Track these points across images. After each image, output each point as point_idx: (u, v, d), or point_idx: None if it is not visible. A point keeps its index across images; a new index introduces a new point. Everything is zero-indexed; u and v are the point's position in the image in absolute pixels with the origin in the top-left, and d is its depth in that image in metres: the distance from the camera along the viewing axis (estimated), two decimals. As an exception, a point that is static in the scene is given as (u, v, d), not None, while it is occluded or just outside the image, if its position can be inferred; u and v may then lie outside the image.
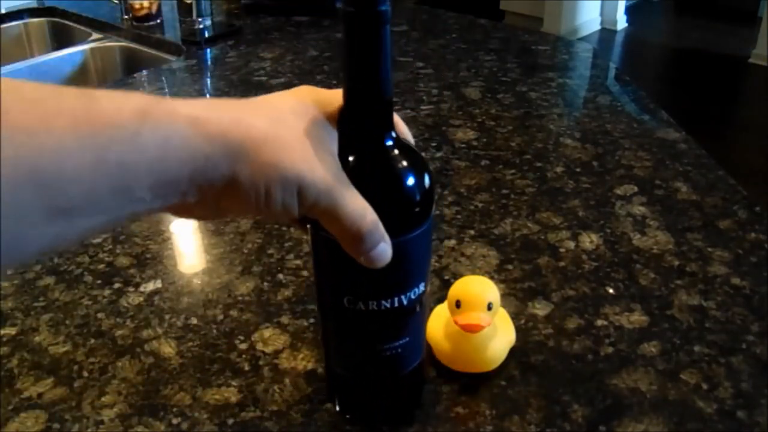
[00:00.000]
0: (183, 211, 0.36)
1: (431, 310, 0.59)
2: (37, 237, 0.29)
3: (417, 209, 0.42)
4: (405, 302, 0.45)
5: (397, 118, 0.42)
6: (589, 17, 4.19)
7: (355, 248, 0.39)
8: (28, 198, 0.28)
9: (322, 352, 0.59)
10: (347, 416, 0.54)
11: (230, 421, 0.53)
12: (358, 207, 0.38)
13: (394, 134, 0.42)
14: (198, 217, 0.40)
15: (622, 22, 4.29)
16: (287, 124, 0.37)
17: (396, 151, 0.42)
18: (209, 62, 1.31)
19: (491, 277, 0.68)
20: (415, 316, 0.47)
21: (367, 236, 0.38)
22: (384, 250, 0.39)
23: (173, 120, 0.32)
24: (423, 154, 0.91)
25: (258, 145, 0.34)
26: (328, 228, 0.39)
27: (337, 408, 0.54)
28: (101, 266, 0.71)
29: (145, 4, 1.44)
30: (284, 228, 0.77)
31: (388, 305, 0.44)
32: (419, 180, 0.42)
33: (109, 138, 0.30)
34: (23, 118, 0.28)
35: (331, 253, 0.42)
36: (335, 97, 0.40)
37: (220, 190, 0.34)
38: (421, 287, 0.46)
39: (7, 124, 0.27)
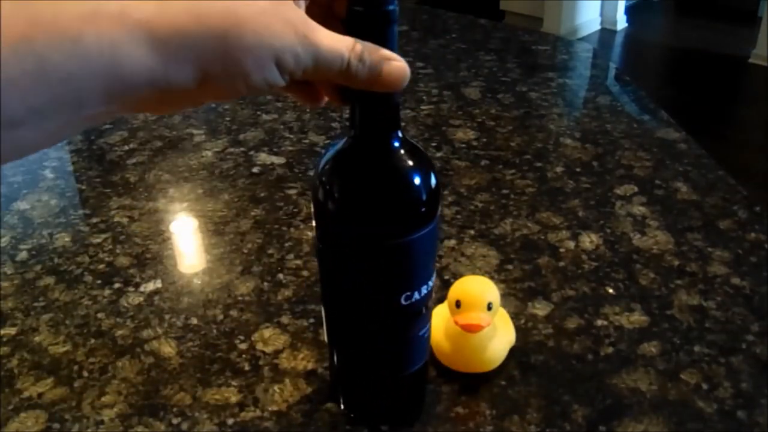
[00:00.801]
0: (148, 108, 0.34)
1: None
2: None
3: (428, 207, 0.42)
4: (419, 296, 0.46)
5: None
6: (589, 17, 4.19)
7: (364, 79, 0.37)
8: None
9: (322, 353, 0.59)
10: (351, 415, 0.54)
11: (230, 421, 0.54)
12: (338, 43, 0.35)
13: (401, 134, 0.42)
14: (166, 112, 0.38)
15: (622, 22, 4.29)
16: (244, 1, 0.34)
17: (403, 152, 0.42)
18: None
19: (491, 277, 0.68)
20: (428, 311, 0.48)
21: (364, 59, 0.36)
22: (397, 66, 0.38)
23: (122, 25, 0.30)
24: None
25: (221, 36, 0.32)
26: (327, 78, 0.36)
27: (342, 407, 0.54)
28: (101, 266, 0.71)
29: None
30: (284, 228, 0.77)
31: (428, 289, 0.46)
32: (427, 179, 0.42)
33: (47, 46, 0.28)
34: None
35: (387, 255, 0.43)
36: None
37: (189, 88, 0.32)
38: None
39: None
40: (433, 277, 0.47)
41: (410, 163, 0.42)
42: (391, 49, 0.37)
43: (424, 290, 0.45)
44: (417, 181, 0.42)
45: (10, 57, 0.27)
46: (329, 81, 0.40)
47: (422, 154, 0.43)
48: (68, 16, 0.29)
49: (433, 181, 0.43)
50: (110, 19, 0.29)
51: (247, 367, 0.58)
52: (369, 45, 0.37)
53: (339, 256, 0.44)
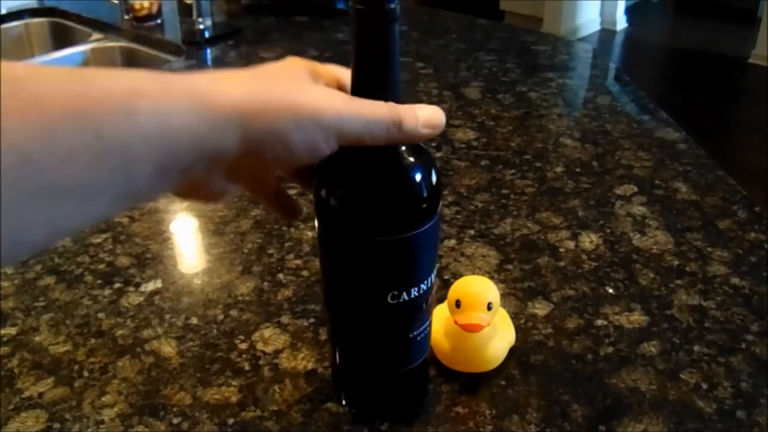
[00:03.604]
0: (190, 190, 0.36)
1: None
2: (31, 223, 0.28)
3: (430, 201, 0.43)
4: (433, 281, 0.46)
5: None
6: (589, 17, 4.19)
7: (405, 133, 0.38)
8: (20, 178, 0.26)
9: (322, 353, 0.59)
10: (353, 411, 0.54)
11: (230, 421, 0.54)
12: (375, 106, 0.37)
13: None
14: (204, 197, 0.39)
15: (622, 22, 4.29)
16: (285, 78, 0.37)
17: (404, 149, 0.42)
18: (209, 62, 1.31)
19: (491, 277, 0.68)
20: (423, 311, 0.48)
21: (403, 115, 0.38)
22: (430, 111, 0.40)
23: (169, 95, 0.31)
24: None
25: (263, 103, 0.34)
26: (369, 141, 0.37)
27: (343, 402, 0.54)
28: (101, 266, 0.72)
29: (146, 4, 1.44)
30: (284, 228, 0.77)
31: (425, 288, 0.46)
32: (428, 174, 0.43)
33: (103, 119, 0.29)
34: (12, 102, 0.27)
35: (380, 252, 0.43)
36: (323, 67, 0.40)
37: (230, 158, 0.34)
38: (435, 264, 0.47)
39: None
40: (429, 279, 0.46)
41: (412, 159, 0.42)
42: (393, 48, 0.38)
43: (414, 291, 0.45)
44: (419, 177, 0.42)
45: (68, 129, 0.27)
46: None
47: (422, 150, 0.43)
48: (121, 89, 0.30)
49: (435, 175, 0.43)
50: (160, 89, 0.31)
51: (247, 367, 0.59)
52: (403, 108, 0.39)
53: (329, 251, 0.45)
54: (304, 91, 0.36)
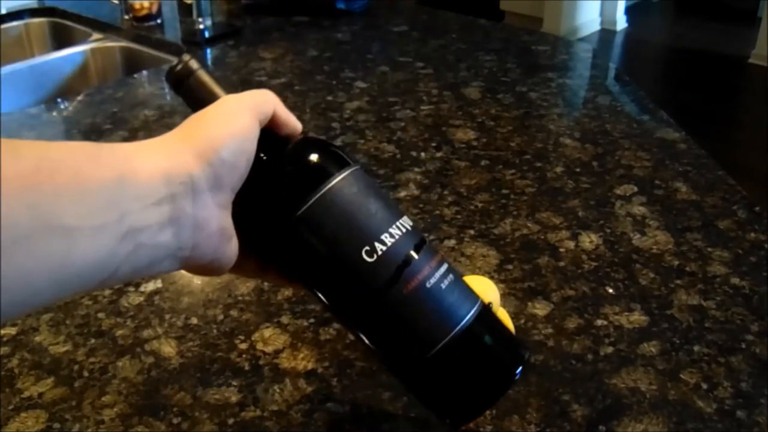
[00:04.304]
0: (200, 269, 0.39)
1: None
2: (39, 290, 0.29)
3: (317, 163, 0.43)
4: (398, 235, 0.43)
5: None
6: (589, 17, 4.18)
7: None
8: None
9: (322, 352, 0.59)
10: (444, 420, 0.46)
11: (230, 421, 0.54)
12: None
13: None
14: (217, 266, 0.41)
15: (622, 23, 4.28)
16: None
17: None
18: (209, 62, 1.31)
19: (491, 277, 0.68)
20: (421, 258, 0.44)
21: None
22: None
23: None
24: (423, 154, 0.91)
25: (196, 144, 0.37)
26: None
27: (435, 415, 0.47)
28: (101, 266, 0.71)
29: (146, 4, 1.44)
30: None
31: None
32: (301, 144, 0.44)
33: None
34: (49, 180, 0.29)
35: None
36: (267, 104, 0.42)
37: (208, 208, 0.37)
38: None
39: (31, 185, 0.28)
40: (398, 222, 0.43)
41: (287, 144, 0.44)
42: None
43: (386, 239, 0.42)
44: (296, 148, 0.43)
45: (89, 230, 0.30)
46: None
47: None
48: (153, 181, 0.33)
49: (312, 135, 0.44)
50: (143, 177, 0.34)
51: (247, 367, 0.59)
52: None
53: (287, 261, 0.44)
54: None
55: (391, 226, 0.43)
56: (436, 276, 0.43)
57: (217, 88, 0.44)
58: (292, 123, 0.43)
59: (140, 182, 0.33)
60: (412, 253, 0.43)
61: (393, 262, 0.42)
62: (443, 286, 0.43)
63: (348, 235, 0.42)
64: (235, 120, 0.38)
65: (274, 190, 0.42)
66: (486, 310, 0.45)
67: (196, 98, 0.43)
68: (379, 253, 0.42)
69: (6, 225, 0.26)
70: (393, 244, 0.42)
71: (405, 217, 0.44)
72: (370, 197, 0.43)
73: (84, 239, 0.29)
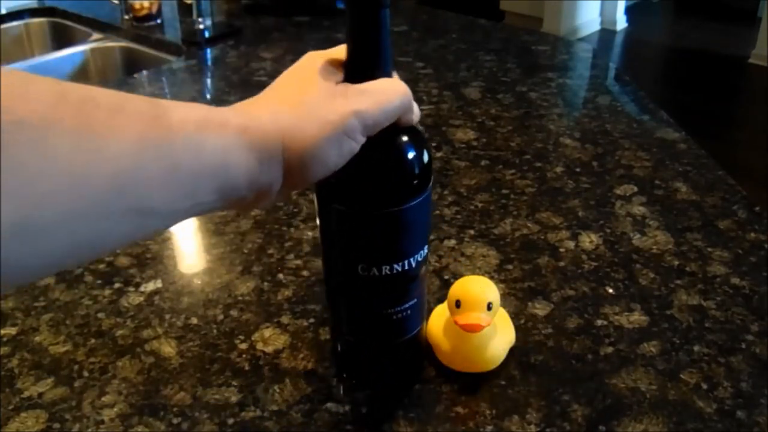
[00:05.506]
0: (248, 208, 0.41)
1: (432, 308, 0.59)
2: (115, 235, 0.31)
3: (422, 178, 0.46)
4: (414, 264, 0.48)
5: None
6: (589, 17, 4.18)
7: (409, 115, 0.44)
8: (112, 200, 0.30)
9: (322, 352, 0.59)
10: (353, 382, 0.56)
11: (230, 421, 0.54)
12: (386, 94, 0.41)
13: None
14: (258, 207, 0.42)
15: (622, 22, 4.28)
16: (305, 97, 0.40)
17: (396, 128, 0.44)
18: (209, 62, 1.31)
19: (491, 277, 0.68)
20: (420, 278, 0.50)
21: (409, 92, 0.43)
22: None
23: (227, 132, 0.35)
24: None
25: (294, 133, 0.38)
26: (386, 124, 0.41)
27: (344, 375, 0.57)
28: (101, 266, 0.72)
29: (146, 4, 1.44)
30: (284, 228, 0.77)
31: (400, 268, 0.48)
32: (420, 152, 0.46)
33: (180, 149, 0.33)
34: (98, 125, 0.30)
35: (346, 224, 0.46)
36: (334, 51, 0.43)
37: (279, 185, 0.38)
38: (425, 250, 0.49)
39: (83, 129, 0.29)
40: (405, 262, 0.48)
41: (404, 138, 0.45)
42: (384, 31, 0.41)
43: (385, 269, 0.47)
44: (412, 154, 0.45)
45: (148, 155, 0.31)
46: None
47: (414, 129, 0.46)
48: (192, 123, 0.34)
49: (426, 153, 0.46)
50: (220, 126, 0.35)
51: (247, 367, 0.59)
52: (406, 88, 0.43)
53: (345, 227, 0.47)
54: (324, 105, 0.39)
55: (396, 261, 0.48)
56: (398, 308, 0.51)
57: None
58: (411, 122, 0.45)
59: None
60: (399, 286, 0.50)
61: (378, 285, 0.49)
62: (397, 317, 0.52)
63: (357, 247, 0.48)
64: (348, 145, 0.40)
65: (370, 178, 0.45)
66: None
67: (368, 37, 0.41)
68: (371, 274, 0.48)
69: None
70: (387, 274, 0.48)
71: (419, 254, 0.49)
72: (429, 217, 0.50)
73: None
